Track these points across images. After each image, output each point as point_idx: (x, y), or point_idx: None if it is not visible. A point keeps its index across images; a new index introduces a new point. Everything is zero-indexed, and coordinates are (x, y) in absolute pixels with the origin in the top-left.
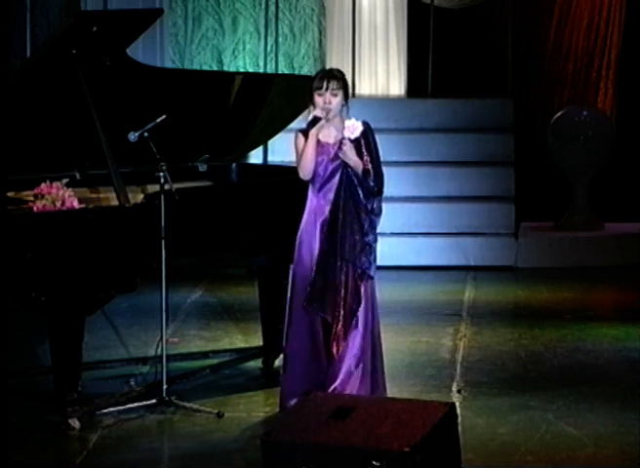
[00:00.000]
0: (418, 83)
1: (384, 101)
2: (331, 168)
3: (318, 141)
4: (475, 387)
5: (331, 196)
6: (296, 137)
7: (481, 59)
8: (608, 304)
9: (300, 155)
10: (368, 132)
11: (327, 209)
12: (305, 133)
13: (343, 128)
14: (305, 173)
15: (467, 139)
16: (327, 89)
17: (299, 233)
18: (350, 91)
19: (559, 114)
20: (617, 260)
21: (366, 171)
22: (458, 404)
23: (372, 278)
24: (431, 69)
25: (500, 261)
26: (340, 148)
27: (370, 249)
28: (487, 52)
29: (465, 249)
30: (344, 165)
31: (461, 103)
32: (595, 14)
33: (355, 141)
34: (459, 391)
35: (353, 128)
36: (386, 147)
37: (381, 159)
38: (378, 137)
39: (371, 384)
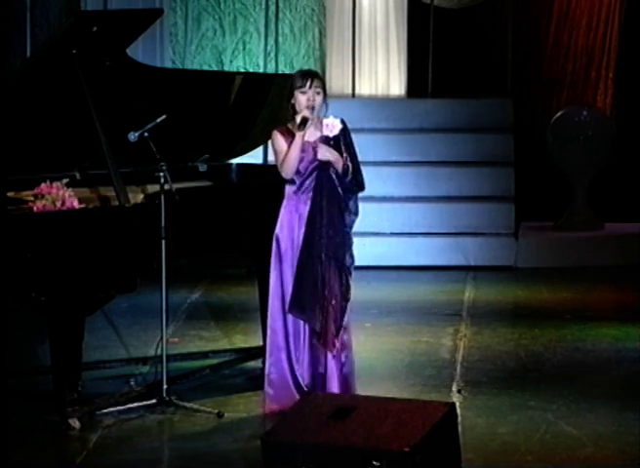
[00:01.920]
0: (418, 83)
1: (384, 101)
2: (311, 167)
3: None
4: (475, 387)
5: (310, 194)
6: (273, 137)
7: (481, 59)
8: (608, 304)
9: (284, 155)
10: (345, 129)
11: (306, 207)
12: (282, 131)
13: (321, 126)
14: (289, 172)
15: (467, 139)
16: (310, 87)
17: (276, 231)
18: (350, 90)
19: (559, 114)
20: (617, 260)
21: (345, 168)
22: (458, 404)
23: (351, 275)
24: (431, 69)
25: (500, 261)
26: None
27: (351, 245)
28: (487, 52)
29: (465, 249)
30: (322, 163)
31: (461, 103)
32: (594, 13)
33: (334, 139)
34: (459, 391)
35: (332, 126)
36: (386, 147)
37: (381, 159)
38: (377, 137)
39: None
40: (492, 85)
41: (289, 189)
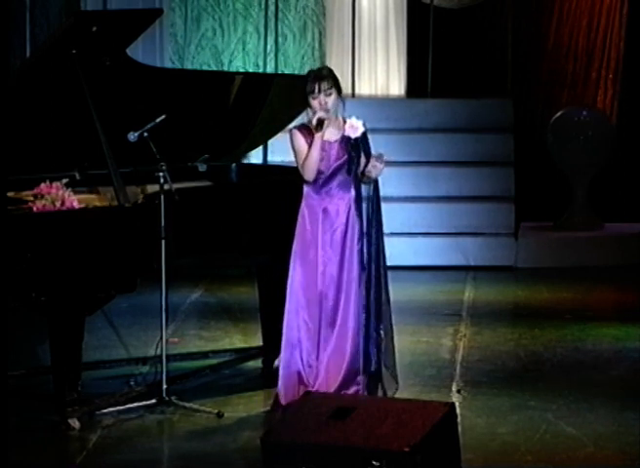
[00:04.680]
0: (417, 83)
1: (384, 101)
2: (335, 165)
3: None
4: (475, 387)
5: (333, 193)
6: (293, 136)
7: (481, 59)
8: (608, 304)
9: (304, 156)
10: (366, 132)
11: (330, 204)
12: (302, 130)
13: (344, 125)
14: (310, 175)
15: (467, 139)
16: (319, 91)
17: (298, 231)
18: (350, 90)
19: (559, 114)
20: (617, 260)
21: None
22: (458, 404)
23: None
24: (431, 69)
25: (500, 261)
26: (370, 167)
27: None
28: (487, 52)
29: (465, 249)
30: (350, 163)
31: (461, 103)
32: (595, 13)
33: (355, 140)
34: (458, 391)
35: (355, 127)
36: (386, 147)
37: None
38: (377, 138)
39: None
40: (492, 85)
41: (308, 189)
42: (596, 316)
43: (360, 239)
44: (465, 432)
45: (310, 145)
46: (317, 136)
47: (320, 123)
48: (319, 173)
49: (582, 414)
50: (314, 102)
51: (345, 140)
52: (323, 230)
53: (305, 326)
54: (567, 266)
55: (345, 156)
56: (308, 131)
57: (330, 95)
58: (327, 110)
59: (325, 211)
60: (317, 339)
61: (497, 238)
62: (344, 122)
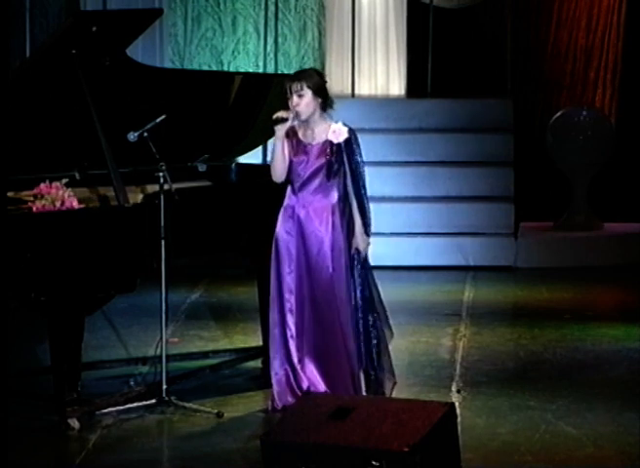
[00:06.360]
0: (417, 83)
1: (384, 101)
2: (312, 169)
3: (300, 142)
4: (475, 387)
5: (309, 198)
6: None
7: (480, 60)
8: (608, 304)
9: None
10: (352, 140)
11: (303, 211)
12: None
13: (328, 129)
14: (277, 175)
15: (467, 140)
16: (290, 92)
17: (276, 232)
18: (350, 90)
19: (558, 114)
20: (617, 260)
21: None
22: (457, 404)
23: None
24: (431, 69)
25: (500, 261)
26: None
27: None
28: (486, 52)
29: (465, 249)
30: (329, 167)
31: (461, 103)
32: (594, 14)
33: (337, 146)
34: (458, 391)
35: (339, 133)
36: (386, 147)
37: (381, 159)
38: (377, 137)
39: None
40: (492, 85)
41: (288, 190)
42: (596, 316)
43: (344, 241)
44: (465, 432)
45: (289, 146)
46: (276, 136)
47: (277, 121)
48: (297, 175)
49: (582, 414)
50: (290, 103)
51: (328, 145)
52: (297, 233)
53: (289, 330)
54: (567, 266)
55: (324, 160)
56: (293, 132)
57: (301, 96)
58: (297, 113)
59: (299, 214)
60: (301, 343)
61: (496, 238)
62: (329, 126)
